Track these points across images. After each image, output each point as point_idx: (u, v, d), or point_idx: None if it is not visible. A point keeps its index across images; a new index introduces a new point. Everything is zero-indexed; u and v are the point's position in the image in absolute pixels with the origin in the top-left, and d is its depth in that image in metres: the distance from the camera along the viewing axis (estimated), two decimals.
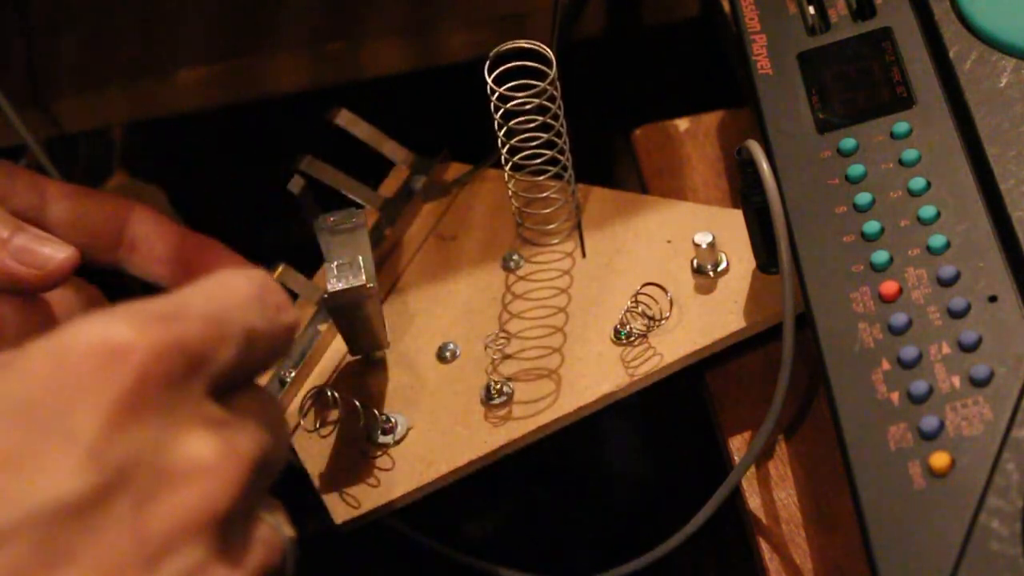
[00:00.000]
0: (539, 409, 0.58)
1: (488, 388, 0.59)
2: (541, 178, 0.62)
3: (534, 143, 0.61)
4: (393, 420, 0.59)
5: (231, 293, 0.39)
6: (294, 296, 0.63)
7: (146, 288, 0.57)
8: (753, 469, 0.57)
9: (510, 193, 0.63)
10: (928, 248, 0.50)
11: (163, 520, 0.35)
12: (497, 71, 0.58)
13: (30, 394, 0.35)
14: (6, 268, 0.50)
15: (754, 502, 0.56)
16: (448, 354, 0.61)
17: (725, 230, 0.61)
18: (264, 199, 0.72)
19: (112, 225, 0.55)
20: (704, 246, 0.60)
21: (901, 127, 0.54)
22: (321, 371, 0.62)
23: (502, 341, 0.60)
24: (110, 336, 0.36)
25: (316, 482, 0.58)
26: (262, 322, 0.40)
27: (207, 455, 0.36)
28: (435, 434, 0.59)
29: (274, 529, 0.39)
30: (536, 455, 0.87)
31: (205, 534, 0.36)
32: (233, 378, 0.39)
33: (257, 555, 0.38)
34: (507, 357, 0.60)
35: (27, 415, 0.35)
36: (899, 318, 0.49)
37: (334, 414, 0.59)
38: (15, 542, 0.34)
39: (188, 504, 0.36)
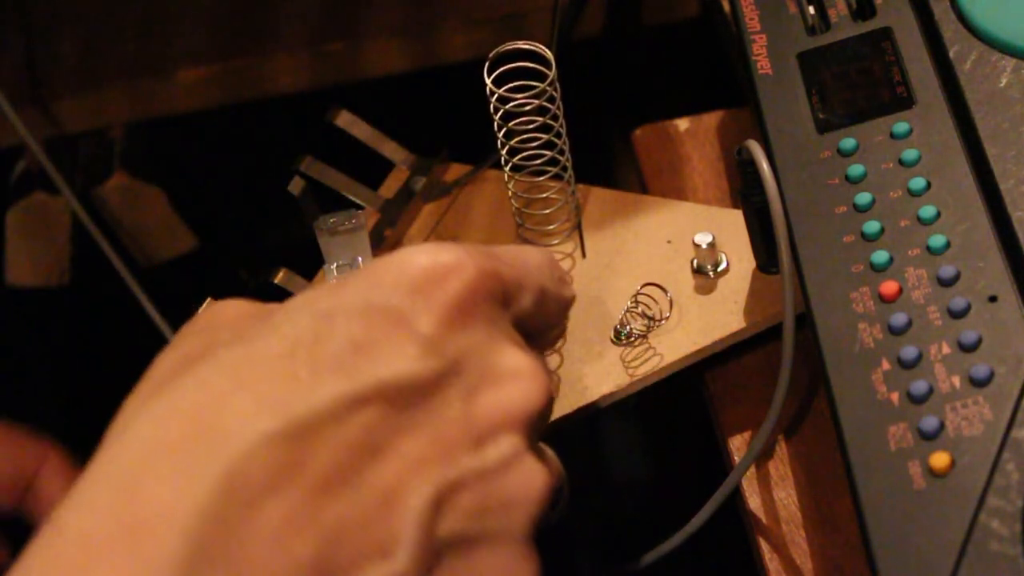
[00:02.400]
0: None
1: None
2: (541, 179, 0.62)
3: (534, 144, 0.61)
4: None
5: (529, 257, 0.45)
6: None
7: None
8: (753, 469, 0.57)
9: (510, 194, 0.63)
10: (928, 248, 0.50)
11: (488, 409, 0.40)
12: (497, 72, 0.58)
13: (379, 296, 0.40)
14: None
15: (754, 502, 0.56)
16: None
17: (725, 230, 0.61)
18: (264, 200, 0.72)
19: (18, 472, 0.55)
20: (704, 246, 0.60)
21: (901, 127, 0.54)
22: None
23: None
24: (443, 257, 0.41)
25: None
26: (552, 284, 0.46)
27: (524, 364, 0.41)
28: None
29: (555, 456, 0.44)
30: None
31: (520, 428, 0.41)
32: (526, 326, 0.44)
33: (552, 464, 0.43)
34: None
35: (378, 312, 0.40)
36: (899, 318, 0.49)
37: None
38: (368, 406, 0.38)
39: (510, 399, 0.41)
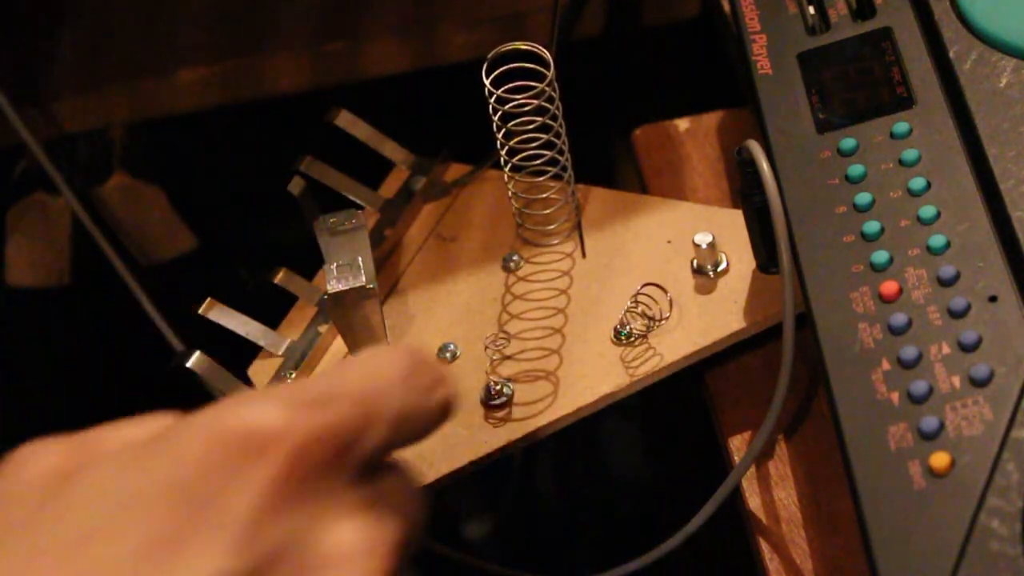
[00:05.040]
0: (539, 410, 0.58)
1: (488, 389, 0.59)
2: (541, 179, 0.62)
3: (533, 144, 0.61)
4: None
5: (381, 374, 0.39)
6: (294, 298, 0.63)
7: None
8: (753, 469, 0.57)
9: (510, 194, 0.63)
10: (928, 248, 0.50)
11: None
12: (496, 72, 0.58)
13: (184, 476, 0.36)
14: None
15: (754, 502, 0.56)
16: (448, 354, 0.61)
17: (725, 230, 0.61)
18: (264, 200, 0.72)
19: None
20: (704, 246, 0.60)
21: (901, 127, 0.54)
22: (322, 372, 0.62)
23: (502, 342, 0.60)
24: (263, 421, 0.36)
25: None
26: (412, 402, 0.40)
27: (354, 543, 0.37)
28: (435, 435, 0.58)
29: None
30: (536, 455, 0.87)
31: None
32: (380, 458, 0.40)
33: None
34: (507, 358, 0.60)
35: (181, 497, 0.35)
36: (899, 318, 0.49)
37: None
38: None
39: None
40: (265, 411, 0.36)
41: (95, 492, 0.36)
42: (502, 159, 0.62)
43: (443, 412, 0.41)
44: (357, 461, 0.38)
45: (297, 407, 0.37)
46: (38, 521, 0.36)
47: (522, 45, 0.58)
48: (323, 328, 0.62)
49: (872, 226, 0.51)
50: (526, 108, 0.59)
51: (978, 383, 0.46)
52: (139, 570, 0.34)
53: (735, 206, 0.63)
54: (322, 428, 0.37)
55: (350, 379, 0.39)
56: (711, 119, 0.70)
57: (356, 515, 0.37)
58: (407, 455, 0.40)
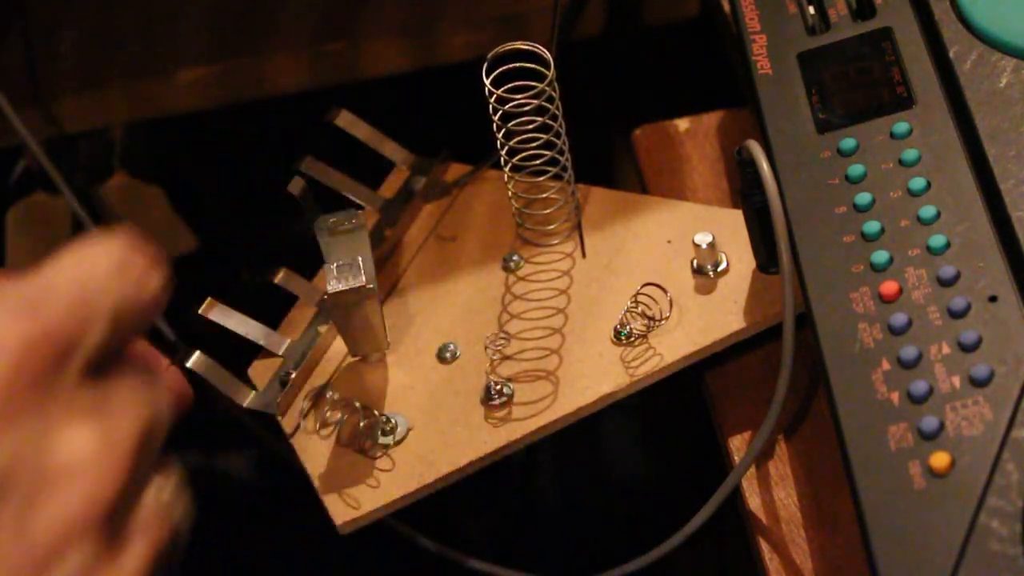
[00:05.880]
0: (539, 410, 0.58)
1: (488, 389, 0.59)
2: (541, 179, 0.62)
3: (533, 144, 0.61)
4: (393, 421, 0.59)
5: (93, 270, 0.38)
6: (294, 298, 0.63)
7: None
8: (753, 469, 0.57)
9: (510, 194, 0.63)
10: (928, 248, 0.50)
11: (49, 523, 0.35)
12: (496, 72, 0.58)
13: None
14: None
15: (754, 502, 0.56)
16: (448, 355, 0.61)
17: (725, 230, 0.61)
18: (264, 200, 0.72)
19: None
20: (704, 246, 0.60)
21: (901, 127, 0.54)
22: (321, 372, 0.62)
23: (502, 342, 0.60)
24: None
25: (316, 483, 0.58)
26: (128, 294, 0.39)
27: (86, 448, 0.36)
28: (435, 435, 0.59)
29: (160, 505, 0.38)
30: (536, 455, 0.87)
31: (91, 531, 0.36)
32: (105, 354, 0.38)
33: (141, 544, 0.37)
34: (507, 358, 0.60)
35: None
36: (899, 318, 0.49)
37: (334, 415, 0.59)
38: None
39: (72, 503, 0.35)
40: None
41: None
42: (502, 159, 0.62)
43: (158, 299, 0.40)
44: (80, 363, 0.37)
45: (10, 313, 0.36)
46: None
47: (522, 45, 0.58)
48: (323, 328, 0.62)
49: (872, 226, 0.51)
50: (526, 108, 0.59)
51: (978, 383, 0.46)
52: None
53: (735, 206, 0.63)
54: (39, 334, 0.36)
55: (62, 279, 0.38)
56: (711, 119, 0.70)
57: (88, 417, 0.36)
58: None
